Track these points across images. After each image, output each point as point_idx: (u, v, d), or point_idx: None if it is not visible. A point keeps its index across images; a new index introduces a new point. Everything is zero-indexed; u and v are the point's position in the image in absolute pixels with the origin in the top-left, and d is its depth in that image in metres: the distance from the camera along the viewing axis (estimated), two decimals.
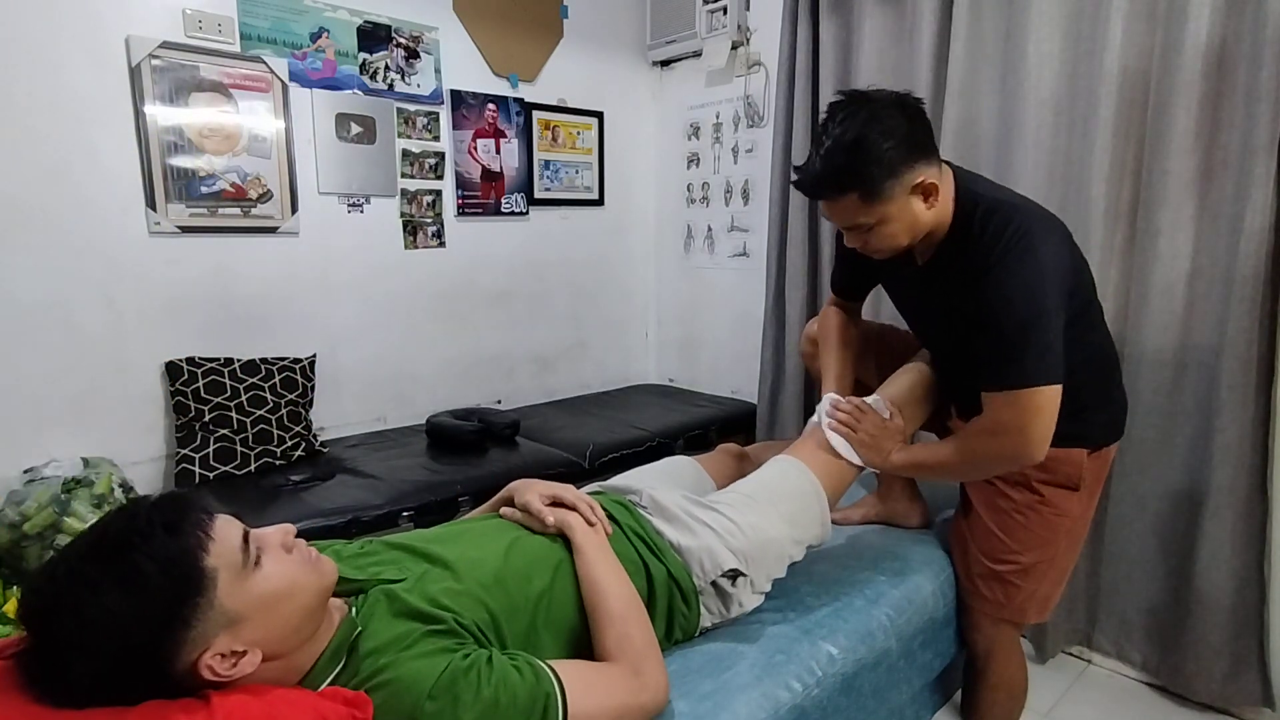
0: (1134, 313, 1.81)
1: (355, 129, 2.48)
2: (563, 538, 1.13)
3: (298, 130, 2.35)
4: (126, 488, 1.92)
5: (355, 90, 2.47)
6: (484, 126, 2.81)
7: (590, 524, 1.15)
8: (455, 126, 2.73)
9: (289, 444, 2.26)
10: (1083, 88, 1.86)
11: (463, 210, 2.79)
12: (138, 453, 2.15)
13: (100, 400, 2.08)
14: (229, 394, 2.19)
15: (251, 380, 2.25)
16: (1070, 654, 2.04)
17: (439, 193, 2.72)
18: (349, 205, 2.51)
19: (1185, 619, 1.77)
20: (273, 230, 2.34)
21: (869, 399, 1.44)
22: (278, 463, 2.22)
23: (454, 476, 2.14)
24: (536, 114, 2.97)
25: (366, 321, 2.60)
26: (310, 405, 2.39)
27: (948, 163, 1.29)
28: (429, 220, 2.71)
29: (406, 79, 2.58)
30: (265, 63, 2.26)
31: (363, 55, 2.48)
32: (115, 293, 2.08)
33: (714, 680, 1.12)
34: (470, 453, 2.34)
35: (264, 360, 2.30)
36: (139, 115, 2.06)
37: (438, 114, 2.68)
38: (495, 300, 2.95)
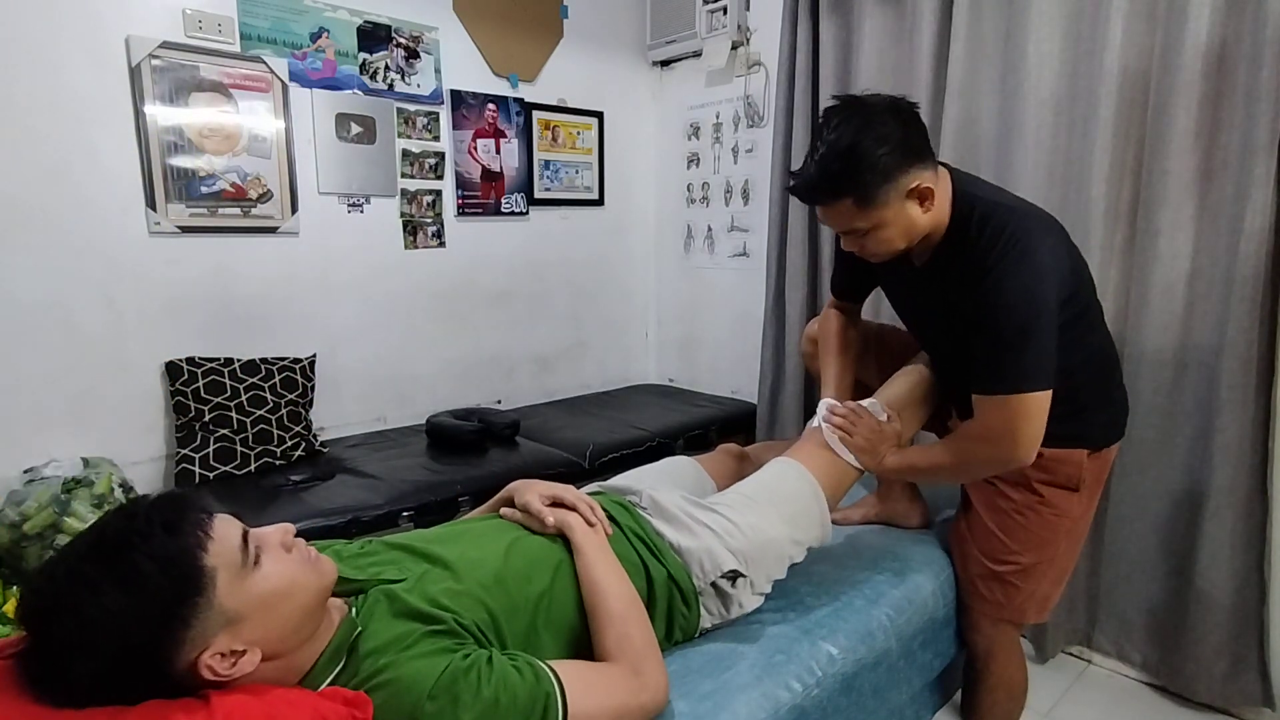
0: (1134, 313, 1.81)
1: (355, 129, 2.48)
2: (563, 538, 1.13)
3: (298, 130, 2.35)
4: (126, 488, 1.92)
5: (355, 90, 2.47)
6: (484, 126, 2.81)
7: (590, 524, 1.15)
8: (455, 126, 2.73)
9: (289, 444, 2.26)
10: (1083, 88, 1.86)
11: (463, 210, 2.79)
12: (138, 453, 2.15)
13: (100, 400, 2.08)
14: (229, 394, 2.19)
15: (251, 380, 2.25)
16: (1070, 654, 2.04)
17: (439, 193, 2.72)
18: (349, 205, 2.51)
19: (1185, 619, 1.77)
20: (273, 230, 2.34)
21: (865, 402, 1.44)
22: (278, 463, 2.23)
23: (454, 476, 2.14)
24: (536, 114, 2.97)
25: (366, 321, 2.60)
26: (310, 405, 2.39)
27: (945, 165, 1.29)
28: (429, 220, 2.71)
29: (406, 79, 2.58)
30: (265, 63, 2.26)
31: (363, 55, 2.48)
32: (115, 293, 2.08)
33: (714, 680, 1.12)
34: (470, 453, 2.34)
35: (264, 360, 2.30)
36: (139, 115, 2.06)
37: (438, 114, 2.68)
38: (495, 300, 2.95)
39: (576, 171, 3.15)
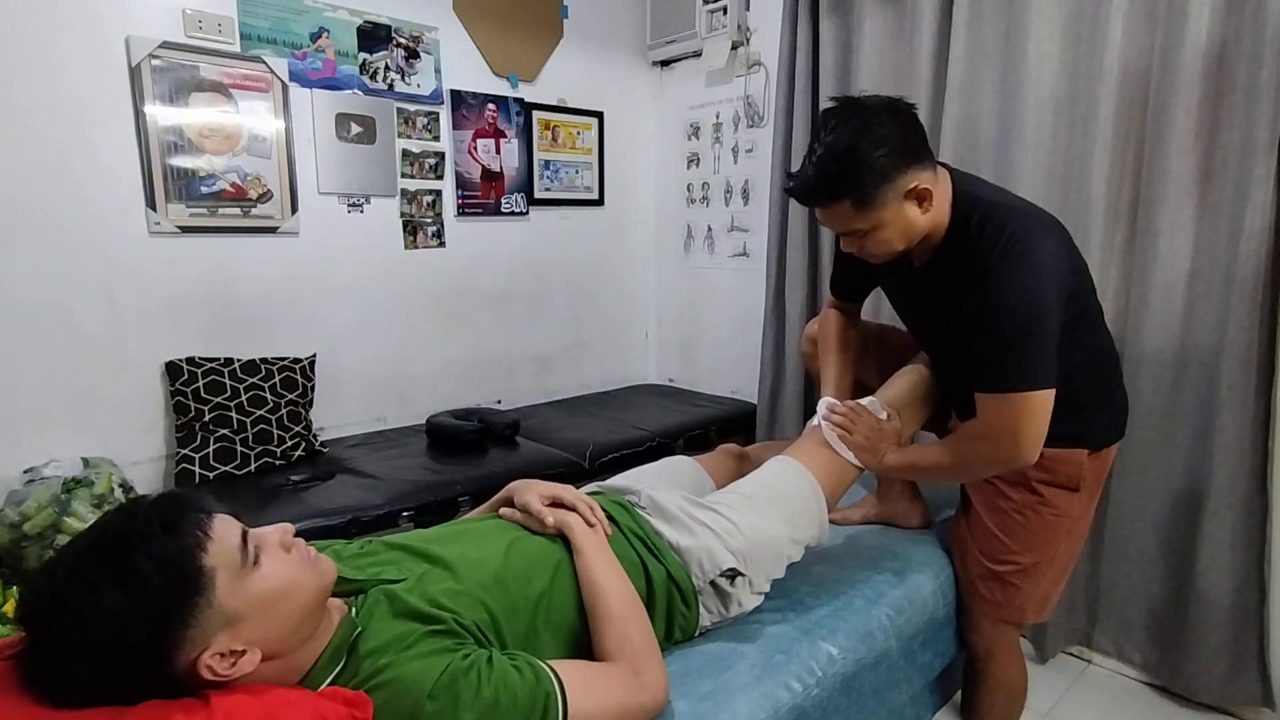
0: (1134, 313, 1.81)
1: (355, 129, 2.48)
2: (562, 538, 1.13)
3: (298, 130, 2.35)
4: (126, 488, 1.92)
5: (355, 90, 2.47)
6: (484, 126, 2.81)
7: (590, 524, 1.15)
8: (455, 126, 2.73)
9: (289, 444, 2.26)
10: (1083, 88, 1.86)
11: (463, 210, 2.79)
12: (138, 453, 2.15)
13: (100, 400, 2.09)
14: (229, 394, 2.19)
15: (251, 380, 2.25)
16: (1070, 654, 2.04)
17: (439, 193, 2.72)
18: (349, 205, 2.51)
19: (1185, 619, 1.77)
20: (273, 230, 2.34)
21: (864, 401, 1.45)
22: (278, 463, 2.23)
23: (454, 476, 2.14)
24: (536, 114, 2.97)
25: (366, 321, 2.60)
26: (310, 405, 2.39)
27: (945, 165, 1.29)
28: (429, 220, 2.71)
29: (406, 79, 2.58)
30: (265, 63, 2.26)
31: (363, 55, 2.48)
32: (115, 293, 2.08)
33: (714, 680, 1.12)
34: (470, 453, 2.34)
35: (264, 360, 2.30)
36: (139, 115, 2.06)
37: (438, 114, 2.68)
38: (495, 300, 2.95)
39: (576, 171, 3.15)
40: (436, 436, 2.45)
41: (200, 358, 2.20)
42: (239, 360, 2.26)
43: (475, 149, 2.80)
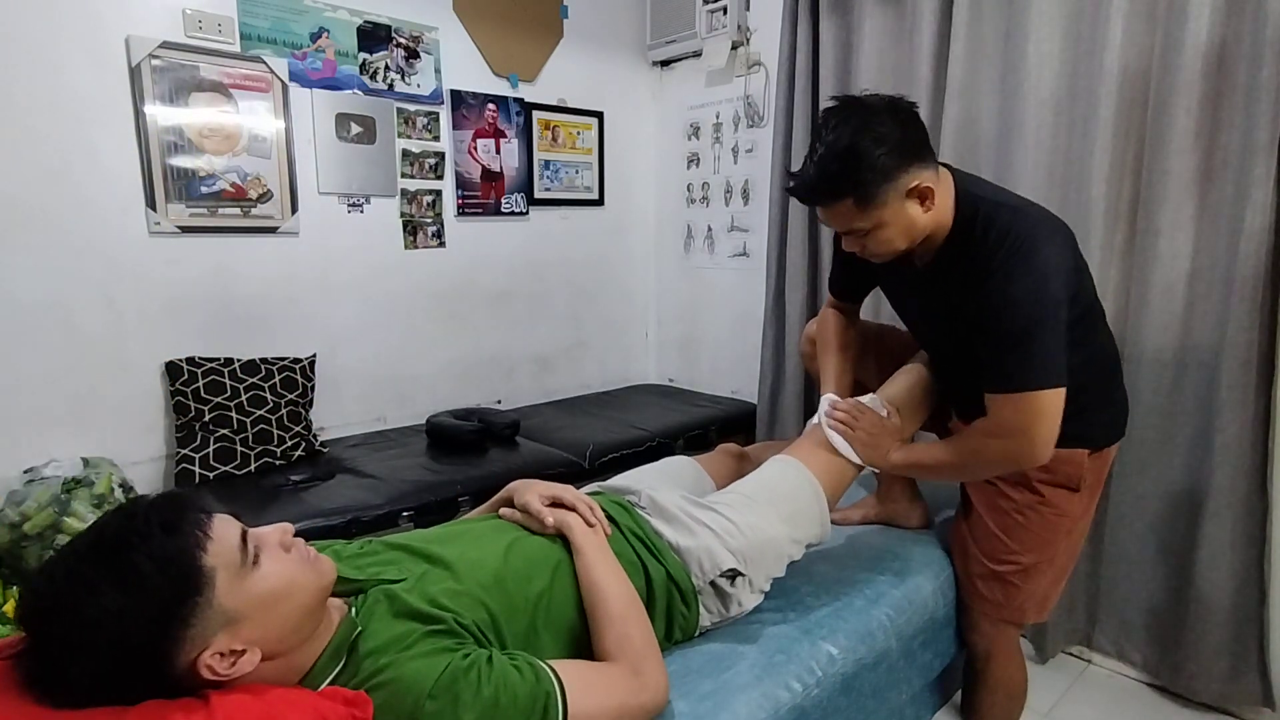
0: (1134, 313, 1.81)
1: (355, 129, 2.48)
2: (562, 538, 1.13)
3: (298, 130, 2.35)
4: (126, 488, 1.92)
5: (355, 90, 2.47)
6: (484, 126, 2.81)
7: (590, 525, 1.15)
8: (455, 126, 2.73)
9: (289, 444, 2.26)
10: (1083, 88, 1.86)
11: (463, 210, 2.79)
12: (138, 453, 2.15)
13: (100, 400, 2.08)
14: (229, 394, 2.19)
15: (251, 380, 2.25)
16: (1070, 654, 2.04)
17: (439, 193, 2.72)
18: (349, 205, 2.51)
19: (1185, 619, 1.77)
20: (273, 230, 2.34)
21: (865, 398, 1.44)
22: (278, 463, 2.23)
23: (454, 476, 2.14)
24: (536, 114, 2.97)
25: (366, 321, 2.60)
26: (310, 405, 2.39)
27: (946, 166, 1.29)
28: (429, 220, 2.71)
29: (406, 79, 2.58)
30: (265, 63, 2.26)
31: (363, 55, 2.48)
32: (115, 293, 2.08)
33: (714, 680, 1.12)
34: (470, 453, 2.34)
35: (264, 360, 2.30)
36: (139, 115, 2.06)
37: (438, 114, 2.68)
38: (495, 300, 2.95)
39: (576, 171, 3.15)
40: (436, 436, 2.45)
41: (200, 358, 2.20)
42: (239, 360, 2.26)
43: (475, 149, 2.80)
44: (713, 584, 1.20)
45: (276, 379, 2.30)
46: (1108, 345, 1.37)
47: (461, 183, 2.77)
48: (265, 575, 0.81)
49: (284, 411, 2.28)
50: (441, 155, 2.70)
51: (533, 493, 1.18)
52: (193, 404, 2.14)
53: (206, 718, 0.72)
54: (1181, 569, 1.78)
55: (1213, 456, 1.67)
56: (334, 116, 2.43)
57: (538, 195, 3.02)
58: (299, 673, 0.85)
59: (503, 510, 1.22)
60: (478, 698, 0.83)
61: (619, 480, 1.42)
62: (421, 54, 2.61)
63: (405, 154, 2.61)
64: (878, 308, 2.13)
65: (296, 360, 2.36)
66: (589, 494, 1.30)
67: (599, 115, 3.17)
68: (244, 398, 2.21)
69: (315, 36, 2.37)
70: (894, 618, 1.37)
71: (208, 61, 2.15)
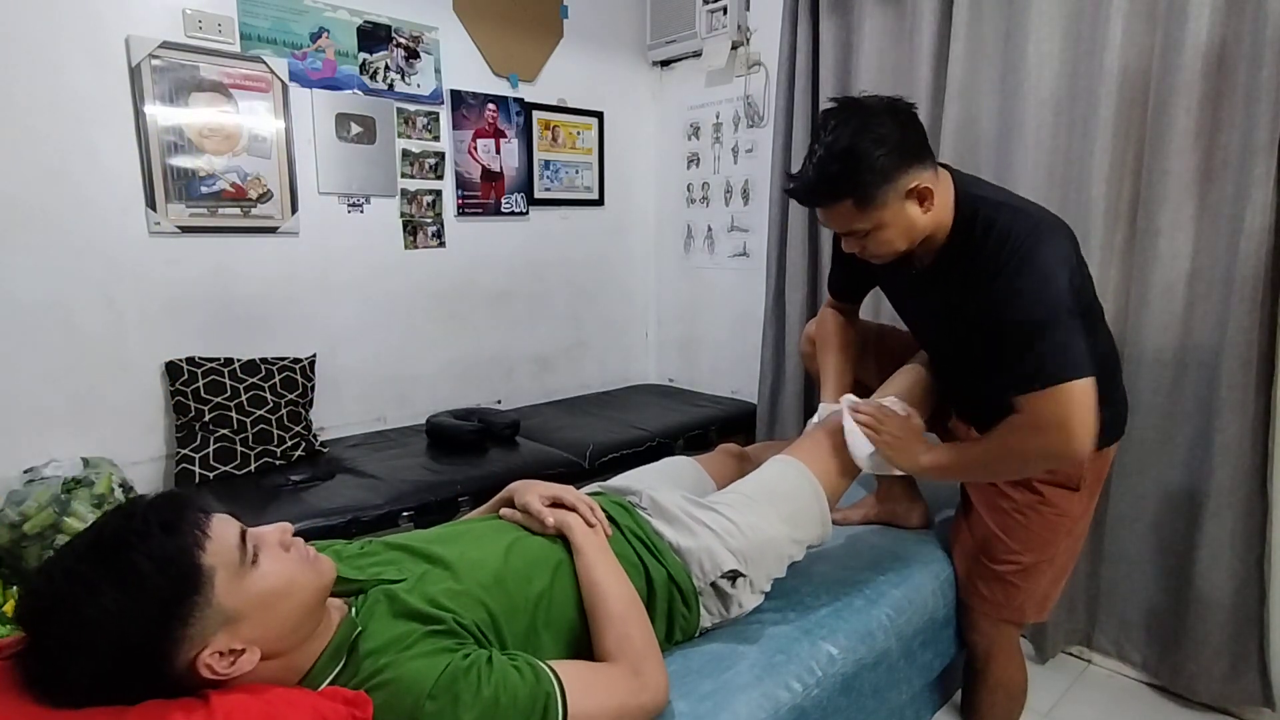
0: (1134, 313, 1.81)
1: (355, 129, 2.48)
2: (562, 538, 1.13)
3: (298, 130, 2.35)
4: (126, 488, 1.92)
5: (355, 90, 2.47)
6: (484, 126, 2.81)
7: (590, 525, 1.15)
8: (455, 126, 2.73)
9: (289, 444, 2.26)
10: (1083, 88, 1.86)
11: (463, 210, 2.79)
12: (138, 453, 2.15)
13: (100, 400, 2.08)
14: (229, 394, 2.19)
15: (251, 380, 2.25)
16: (1070, 654, 2.04)
17: (439, 193, 2.72)
18: (349, 205, 2.51)
19: (1185, 619, 1.77)
20: (273, 230, 2.34)
21: (886, 400, 1.41)
22: (278, 463, 2.23)
23: (454, 476, 2.14)
24: (536, 114, 2.97)
25: (366, 321, 2.60)
26: (310, 405, 2.39)
27: (946, 167, 1.29)
28: (429, 220, 2.71)
29: (406, 79, 2.58)
30: (265, 63, 2.26)
31: (363, 55, 2.48)
32: (115, 293, 2.08)
33: (714, 680, 1.12)
34: (470, 453, 2.34)
35: (264, 360, 2.30)
36: (139, 115, 2.06)
37: (438, 114, 2.68)
38: (495, 300, 2.95)
39: (576, 171, 3.15)
40: (436, 436, 2.45)
41: (200, 358, 2.20)
42: (239, 360, 2.26)
43: (475, 149, 2.80)
44: (713, 585, 1.20)
45: (276, 379, 2.30)
46: (1107, 345, 1.36)
47: (461, 183, 2.77)
48: (264, 574, 0.81)
49: (284, 411, 2.28)
50: (441, 155, 2.70)
51: (533, 493, 1.18)
52: (193, 404, 2.14)
53: (206, 717, 0.72)
54: (1181, 569, 1.78)
55: (1213, 456, 1.67)
56: (334, 116, 2.43)
57: (538, 195, 3.02)
58: (299, 672, 0.85)
59: (503, 510, 1.22)
60: (478, 698, 0.83)
61: (619, 480, 1.41)
62: (421, 54, 2.61)
63: (405, 154, 2.61)
64: (878, 308, 2.13)
65: (296, 360, 2.36)
66: (589, 494, 1.30)
67: (599, 115, 3.17)
68: (244, 398, 2.21)
69: (315, 36, 2.37)
70: (894, 618, 1.37)
71: (208, 61, 2.15)
